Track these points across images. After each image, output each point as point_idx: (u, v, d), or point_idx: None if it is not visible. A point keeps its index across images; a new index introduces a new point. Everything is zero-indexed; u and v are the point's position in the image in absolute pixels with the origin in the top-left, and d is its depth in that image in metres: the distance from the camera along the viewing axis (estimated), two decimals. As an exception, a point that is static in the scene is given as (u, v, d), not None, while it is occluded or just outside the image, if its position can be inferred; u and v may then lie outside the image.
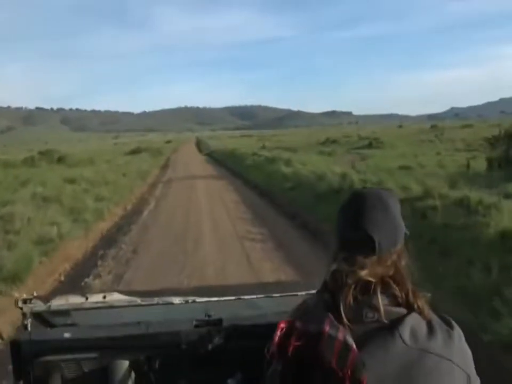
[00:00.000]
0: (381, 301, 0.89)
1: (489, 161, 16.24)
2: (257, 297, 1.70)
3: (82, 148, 62.84)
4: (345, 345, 0.84)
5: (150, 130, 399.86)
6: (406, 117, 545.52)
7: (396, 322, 0.89)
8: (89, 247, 8.19)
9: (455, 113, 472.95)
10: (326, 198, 9.42)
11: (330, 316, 0.88)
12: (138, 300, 1.62)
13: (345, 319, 0.88)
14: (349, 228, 0.95)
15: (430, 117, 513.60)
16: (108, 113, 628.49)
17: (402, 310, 0.91)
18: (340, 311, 0.88)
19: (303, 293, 1.51)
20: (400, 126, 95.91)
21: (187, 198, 13.05)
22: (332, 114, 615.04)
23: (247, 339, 1.46)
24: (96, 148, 62.90)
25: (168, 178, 20.10)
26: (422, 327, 0.90)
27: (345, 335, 0.85)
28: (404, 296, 0.92)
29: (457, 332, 0.93)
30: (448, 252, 4.89)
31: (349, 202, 0.99)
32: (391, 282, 0.92)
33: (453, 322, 0.95)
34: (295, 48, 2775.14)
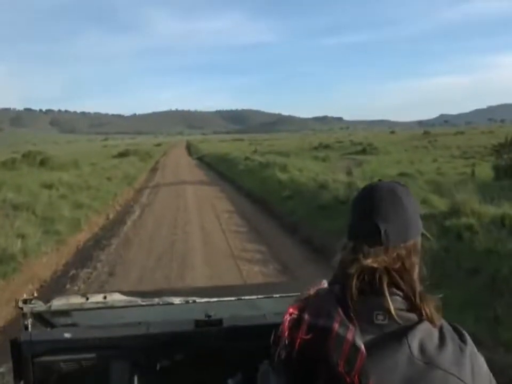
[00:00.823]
0: (392, 302, 0.84)
1: (496, 169, 15.49)
2: (257, 298, 1.66)
3: (69, 150, 61.57)
4: (354, 347, 0.81)
5: (140, 133, 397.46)
6: (396, 123, 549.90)
7: (406, 331, 0.84)
8: (60, 264, 7.09)
9: (444, 119, 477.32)
10: (331, 209, 8.40)
11: (340, 311, 0.85)
12: (138, 300, 1.60)
13: (354, 317, 0.84)
14: (357, 218, 0.94)
15: (420, 123, 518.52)
16: (97, 116, 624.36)
17: (414, 317, 0.86)
18: (349, 305, 0.85)
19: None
20: (392, 132, 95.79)
21: (175, 207, 11.91)
22: (323, 119, 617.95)
23: (247, 339, 1.42)
24: (84, 150, 61.63)
25: (156, 184, 18.96)
26: (433, 338, 0.84)
27: (354, 336, 0.82)
28: (412, 297, 0.86)
29: (470, 347, 0.86)
30: (499, 288, 3.88)
31: (360, 193, 0.97)
32: (397, 277, 0.87)
33: (466, 335, 0.88)
34: (287, 53, 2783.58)
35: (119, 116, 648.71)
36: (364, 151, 39.41)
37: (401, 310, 0.86)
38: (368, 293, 0.86)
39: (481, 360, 0.88)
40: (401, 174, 20.18)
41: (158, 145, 79.91)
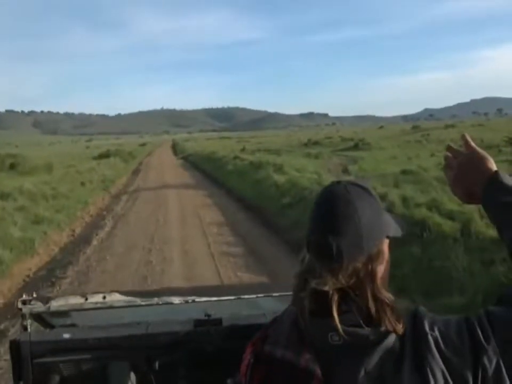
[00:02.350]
0: (344, 320, 0.79)
1: (516, 164, 14.07)
2: (257, 297, 1.64)
3: (49, 152, 59.23)
4: (308, 372, 0.80)
5: (126, 133, 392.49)
6: (382, 118, 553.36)
7: (363, 352, 0.79)
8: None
9: (429, 114, 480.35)
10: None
11: (294, 336, 0.84)
12: (138, 300, 1.59)
13: (307, 339, 0.83)
14: (311, 230, 0.86)
15: (405, 117, 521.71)
16: (81, 116, 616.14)
17: (365, 332, 0.79)
18: (303, 330, 0.84)
19: None
20: (381, 127, 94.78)
21: (154, 218, 10.10)
22: (309, 116, 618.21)
23: (247, 339, 1.20)
24: (65, 151, 59.32)
25: (136, 188, 17.09)
26: (392, 350, 0.79)
27: (308, 362, 0.81)
28: (365, 310, 0.80)
29: (430, 339, 0.78)
30: None
31: (317, 199, 0.89)
32: (351, 292, 0.81)
33: (426, 325, 0.80)
34: (273, 50, 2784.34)
35: (104, 116, 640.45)
36: (356, 147, 38.05)
37: (356, 326, 0.80)
38: (322, 312, 0.81)
39: (458, 349, 0.77)
40: (404, 172, 18.63)
41: (143, 145, 77.56)
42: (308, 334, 0.82)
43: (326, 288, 0.80)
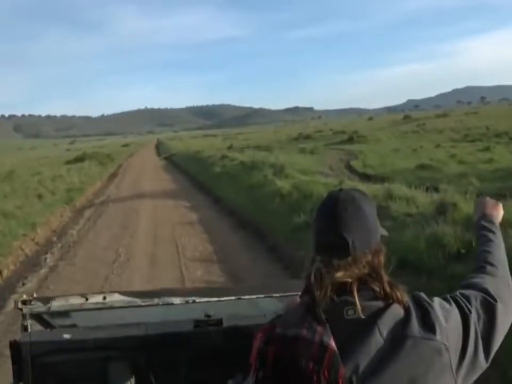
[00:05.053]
0: (359, 297, 0.92)
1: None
2: (257, 297, 1.65)
3: (24, 157, 56.15)
4: (322, 346, 0.87)
5: (110, 134, 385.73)
6: (366, 110, 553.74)
7: (375, 317, 0.93)
8: None
9: (413, 104, 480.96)
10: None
11: (308, 318, 0.91)
12: (138, 301, 1.59)
13: (323, 318, 0.90)
14: (323, 231, 0.98)
15: (389, 109, 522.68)
16: (64, 118, 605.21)
17: (379, 303, 0.95)
18: (318, 311, 0.91)
19: None
20: (370, 118, 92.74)
21: (113, 251, 7.37)
22: (294, 110, 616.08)
23: (247, 339, 1.26)
24: (42, 155, 56.18)
25: (105, 199, 14.34)
26: (400, 316, 0.94)
27: (322, 336, 0.88)
28: (381, 290, 0.95)
29: (427, 303, 0.99)
30: None
31: (323, 205, 1.02)
32: (368, 279, 0.96)
33: (420, 297, 1.00)
34: (256, 46, 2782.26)
35: (87, 118, 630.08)
36: (350, 140, 35.75)
37: (369, 300, 0.94)
38: (337, 299, 0.93)
39: (442, 311, 0.99)
40: (421, 167, 16.17)
41: (126, 145, 74.36)
42: (325, 312, 0.90)
43: (348, 279, 0.93)
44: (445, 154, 20.32)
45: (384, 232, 1.04)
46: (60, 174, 20.32)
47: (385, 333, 0.90)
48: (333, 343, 0.86)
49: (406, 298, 0.96)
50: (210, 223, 8.73)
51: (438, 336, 0.93)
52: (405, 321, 0.93)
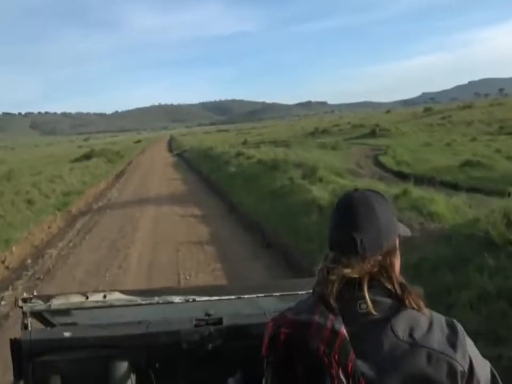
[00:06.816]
0: (371, 293, 0.91)
1: None
2: (257, 296, 1.62)
3: (35, 154, 55.28)
4: (333, 332, 0.88)
5: (124, 130, 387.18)
6: (380, 104, 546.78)
7: (389, 315, 0.91)
8: None
9: (428, 97, 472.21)
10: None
11: (321, 306, 0.92)
12: (138, 299, 1.57)
13: (335, 307, 0.90)
14: (335, 230, 0.99)
15: (404, 102, 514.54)
16: (79, 115, 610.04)
17: (393, 302, 0.93)
18: (331, 302, 0.91)
19: (303, 292, 1.42)
20: (388, 111, 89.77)
21: (98, 281, 5.64)
22: (307, 104, 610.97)
23: (247, 338, 1.38)
24: (55, 152, 55.20)
25: (105, 203, 12.62)
26: (420, 324, 0.92)
27: (334, 322, 0.88)
28: (394, 290, 0.94)
29: (462, 336, 0.94)
30: None
31: (337, 204, 1.02)
32: (380, 277, 0.95)
33: (458, 326, 0.95)
34: (268, 40, 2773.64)
35: (101, 115, 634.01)
36: (373, 134, 33.58)
37: (381, 297, 0.92)
38: (347, 294, 0.92)
39: (475, 350, 0.95)
40: (466, 164, 14.04)
41: (138, 141, 73.03)
42: (338, 303, 0.90)
43: (355, 275, 0.91)
44: (487, 149, 18.11)
45: (404, 231, 1.03)
46: (59, 174, 18.67)
47: (400, 333, 0.89)
48: (344, 330, 0.87)
49: (422, 305, 0.93)
50: (225, 243, 6.95)
51: (458, 357, 0.90)
52: (423, 329, 0.91)
